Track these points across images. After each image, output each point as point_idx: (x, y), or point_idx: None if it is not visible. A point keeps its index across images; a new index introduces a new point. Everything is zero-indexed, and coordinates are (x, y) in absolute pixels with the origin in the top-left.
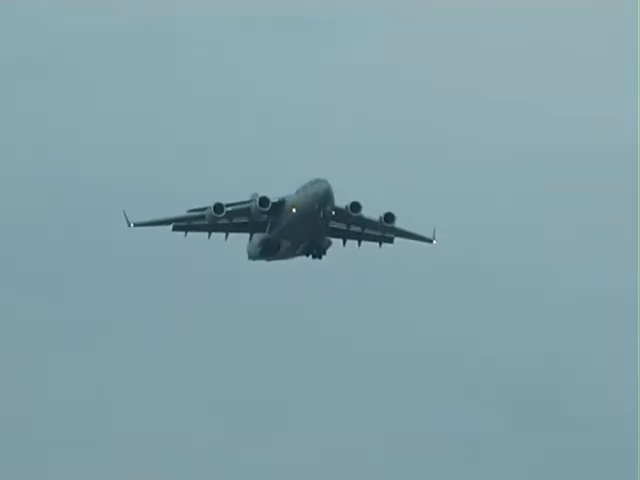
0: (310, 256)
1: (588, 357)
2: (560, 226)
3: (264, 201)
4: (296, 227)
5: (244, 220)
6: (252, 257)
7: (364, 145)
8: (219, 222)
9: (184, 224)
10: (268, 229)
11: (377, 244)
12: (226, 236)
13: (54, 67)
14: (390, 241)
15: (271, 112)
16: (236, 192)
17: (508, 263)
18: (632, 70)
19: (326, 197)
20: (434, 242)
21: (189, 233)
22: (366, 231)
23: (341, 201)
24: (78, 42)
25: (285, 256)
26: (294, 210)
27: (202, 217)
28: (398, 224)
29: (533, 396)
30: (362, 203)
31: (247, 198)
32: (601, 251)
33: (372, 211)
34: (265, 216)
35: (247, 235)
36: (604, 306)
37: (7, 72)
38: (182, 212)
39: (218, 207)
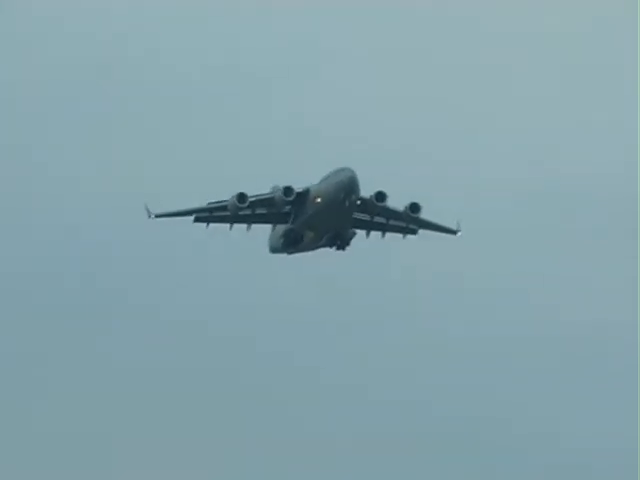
0: (334, 247)
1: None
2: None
3: (288, 190)
4: (321, 217)
5: (267, 210)
6: (274, 250)
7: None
8: (241, 212)
9: (206, 215)
10: (292, 220)
11: (400, 235)
12: (248, 227)
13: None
14: (414, 232)
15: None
16: None
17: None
18: (632, 73)
19: (352, 185)
20: (459, 234)
21: (210, 225)
22: (390, 222)
23: (364, 192)
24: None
25: (308, 248)
26: (319, 200)
27: (224, 207)
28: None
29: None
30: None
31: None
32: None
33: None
34: (288, 206)
35: (268, 228)
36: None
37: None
38: (203, 204)
39: (241, 197)
